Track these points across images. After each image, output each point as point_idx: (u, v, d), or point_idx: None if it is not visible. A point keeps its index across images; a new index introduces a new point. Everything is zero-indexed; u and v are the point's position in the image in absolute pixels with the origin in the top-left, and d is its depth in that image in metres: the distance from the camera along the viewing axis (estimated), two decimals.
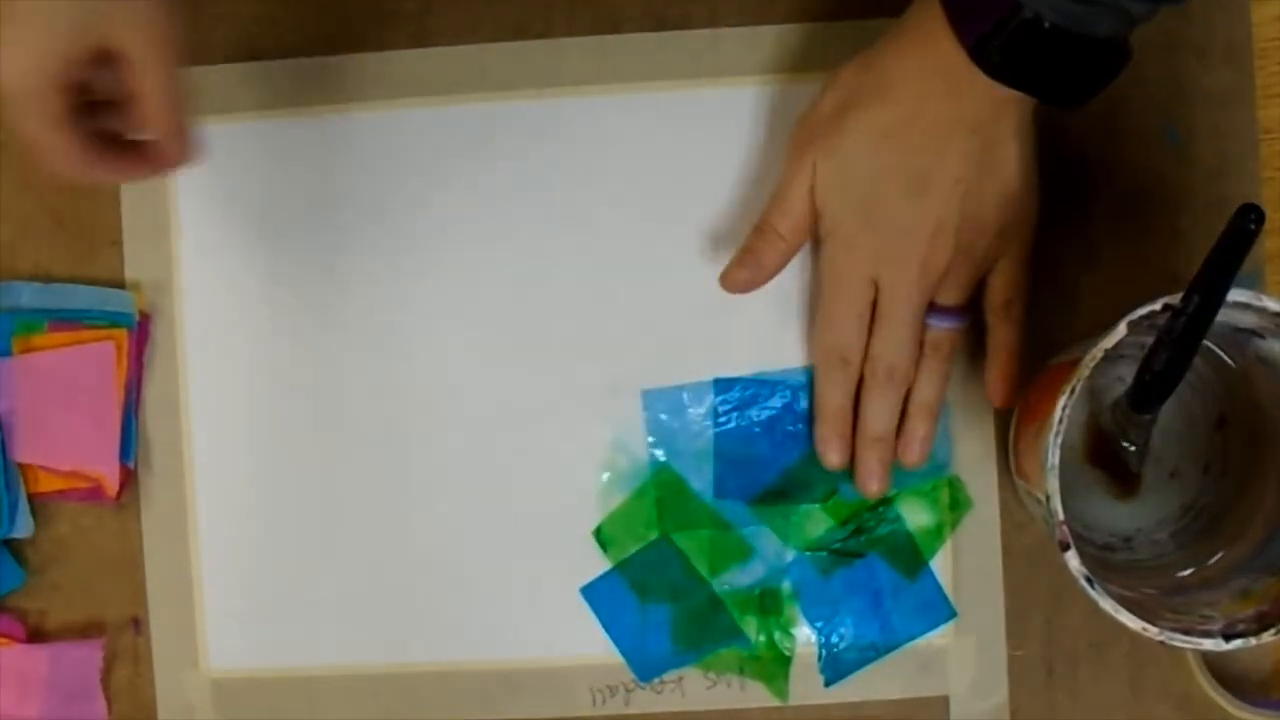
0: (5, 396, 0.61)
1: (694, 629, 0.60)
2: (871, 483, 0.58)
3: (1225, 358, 0.57)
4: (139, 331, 0.61)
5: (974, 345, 0.60)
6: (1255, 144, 0.60)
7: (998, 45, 0.49)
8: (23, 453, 0.61)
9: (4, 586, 0.61)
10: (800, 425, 0.60)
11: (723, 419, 0.61)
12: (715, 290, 0.60)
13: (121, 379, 0.61)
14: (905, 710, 0.60)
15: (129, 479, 0.61)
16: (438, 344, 0.62)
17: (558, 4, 0.61)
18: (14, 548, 0.62)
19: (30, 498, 0.61)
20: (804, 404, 0.60)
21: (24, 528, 0.61)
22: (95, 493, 0.61)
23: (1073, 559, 0.48)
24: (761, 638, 0.60)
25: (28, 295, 0.61)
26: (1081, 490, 0.59)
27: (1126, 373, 0.59)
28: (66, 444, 0.61)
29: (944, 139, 0.53)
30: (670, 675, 0.61)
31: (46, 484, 0.61)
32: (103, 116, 0.50)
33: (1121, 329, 0.48)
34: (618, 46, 0.61)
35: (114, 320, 0.61)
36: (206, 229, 0.62)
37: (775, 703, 0.60)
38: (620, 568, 0.61)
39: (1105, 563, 0.57)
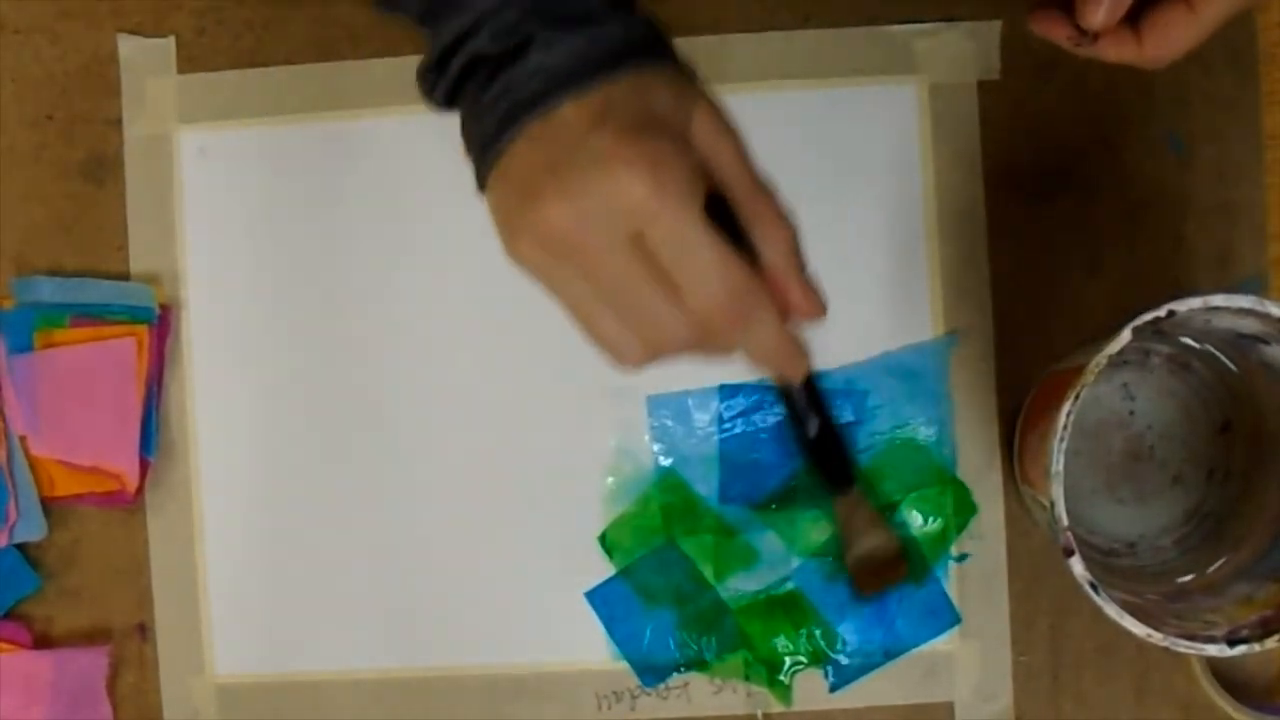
0: (27, 391, 0.61)
1: (699, 634, 0.61)
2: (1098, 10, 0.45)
3: (1229, 363, 0.57)
4: (159, 325, 0.61)
5: (975, 342, 0.60)
6: (1259, 150, 0.60)
7: None
8: (44, 448, 0.61)
9: (19, 592, 0.62)
10: None
11: (728, 424, 0.61)
12: None
13: (142, 374, 0.61)
14: (910, 716, 0.60)
15: (149, 475, 0.62)
16: (442, 350, 0.62)
17: None
18: (25, 554, 0.62)
19: (46, 501, 0.61)
20: None
21: (37, 530, 0.61)
22: (112, 497, 0.61)
23: (1077, 565, 0.48)
24: (766, 643, 0.60)
25: (49, 290, 0.62)
26: (1086, 496, 0.59)
27: (1130, 379, 0.59)
28: (87, 439, 0.61)
29: None
30: (675, 681, 0.61)
31: (64, 487, 0.61)
32: None
33: (1126, 335, 0.49)
34: None
35: (134, 314, 0.61)
36: (211, 235, 0.62)
37: (780, 708, 0.60)
38: (625, 573, 0.61)
39: (1109, 568, 0.57)
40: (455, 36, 0.42)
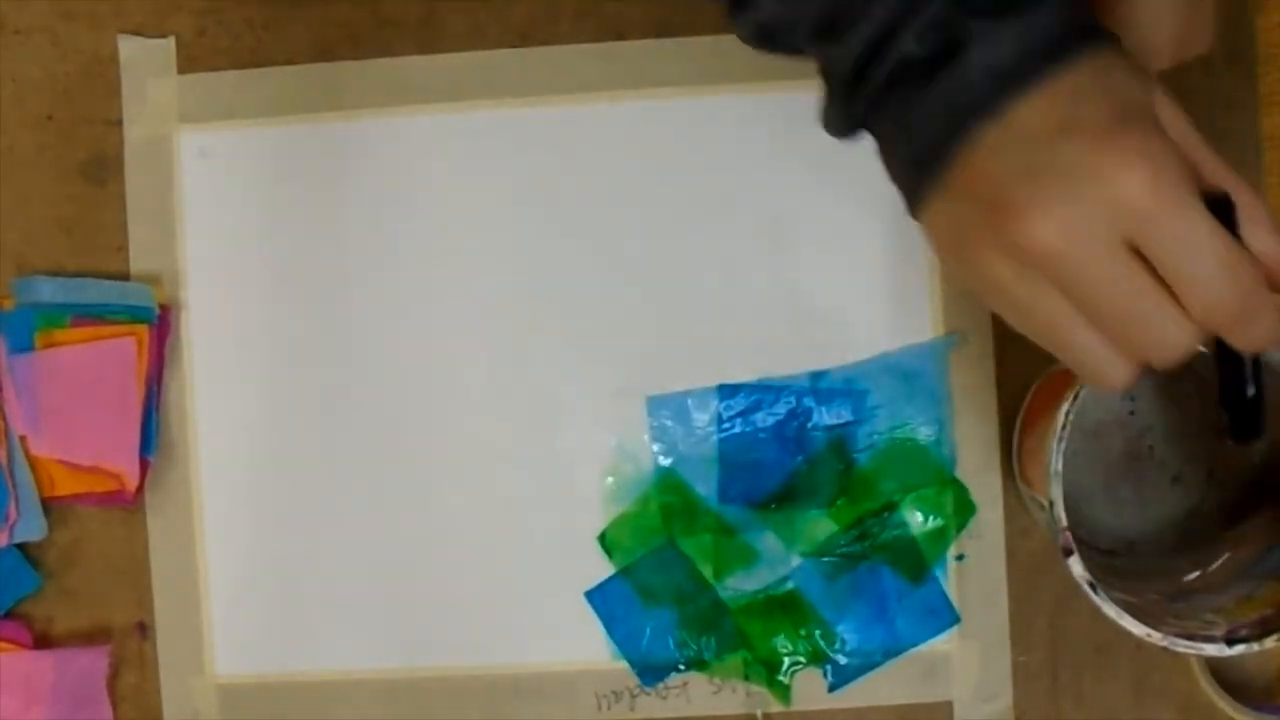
0: (27, 391, 0.61)
1: (698, 634, 0.61)
2: None
3: None
4: (159, 325, 0.61)
5: (974, 342, 0.60)
6: (1258, 151, 0.60)
7: None
8: (44, 447, 0.61)
9: (19, 591, 0.62)
10: (804, 431, 0.61)
11: (727, 424, 0.61)
12: (720, 296, 0.61)
13: (142, 374, 0.61)
14: (909, 715, 0.60)
15: (149, 475, 0.62)
16: (443, 350, 0.62)
17: (563, 11, 0.61)
18: (26, 553, 0.62)
19: (46, 501, 0.61)
20: (807, 409, 0.61)
21: (37, 530, 0.61)
22: (112, 497, 0.61)
23: (1076, 564, 0.49)
24: (766, 642, 0.61)
25: (49, 290, 0.62)
26: (1085, 496, 0.59)
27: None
28: (88, 439, 0.61)
29: None
30: (675, 680, 0.61)
31: (64, 486, 0.61)
32: None
33: None
34: (623, 53, 0.61)
35: (134, 314, 0.61)
36: (211, 235, 0.62)
37: (780, 708, 0.60)
38: (625, 573, 0.61)
39: (1109, 568, 0.57)
40: (869, 44, 0.38)
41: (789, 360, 0.61)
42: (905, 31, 0.38)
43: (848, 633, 0.60)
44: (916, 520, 0.60)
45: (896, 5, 0.38)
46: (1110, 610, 0.48)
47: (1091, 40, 0.38)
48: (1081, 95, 0.37)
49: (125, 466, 0.61)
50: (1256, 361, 0.43)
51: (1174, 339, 0.37)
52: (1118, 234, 0.36)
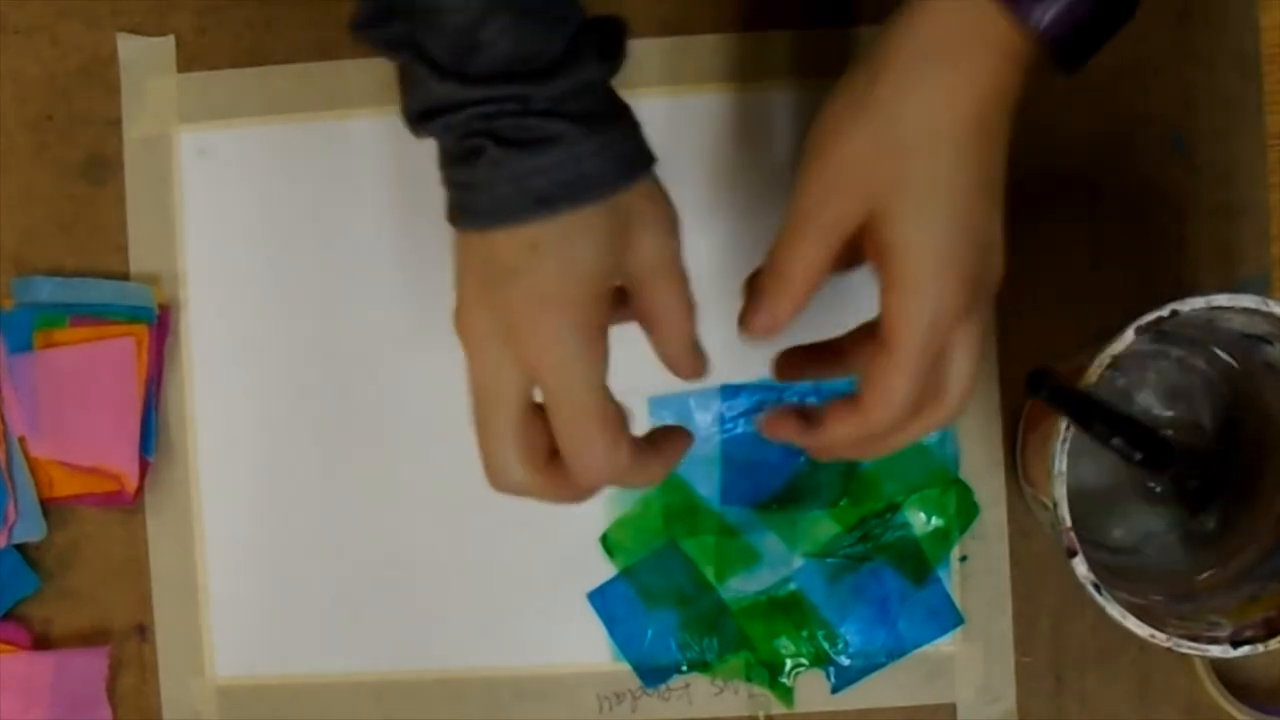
0: (27, 391, 0.61)
1: (700, 635, 0.60)
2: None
3: (1233, 363, 0.57)
4: (159, 326, 0.61)
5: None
6: (1262, 150, 0.60)
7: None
8: (43, 448, 0.61)
9: (18, 593, 0.61)
10: None
11: (729, 425, 0.60)
12: (722, 296, 0.60)
13: (141, 375, 0.61)
14: (912, 717, 0.60)
15: (148, 476, 0.61)
16: (443, 350, 0.61)
17: None
18: (25, 554, 0.62)
19: (45, 502, 0.61)
20: None
21: (36, 531, 0.61)
22: (112, 497, 0.61)
23: (1080, 565, 0.48)
24: (768, 644, 0.60)
25: (48, 290, 0.61)
26: (1088, 496, 0.59)
27: (1133, 379, 0.59)
28: (87, 440, 0.61)
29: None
30: (677, 682, 0.61)
31: (63, 487, 0.61)
32: None
33: (1129, 335, 0.48)
34: None
35: (134, 315, 0.61)
36: (211, 235, 0.62)
37: (782, 709, 0.60)
38: (627, 574, 0.61)
39: (1113, 569, 0.57)
40: (420, 110, 0.42)
41: None
42: (447, 119, 0.41)
43: (850, 634, 0.60)
44: (919, 521, 0.60)
45: (441, 97, 0.41)
46: (1115, 611, 0.48)
47: (592, 191, 0.42)
48: (540, 249, 0.42)
49: (125, 467, 0.61)
50: (1135, 436, 0.47)
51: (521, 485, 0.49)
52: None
